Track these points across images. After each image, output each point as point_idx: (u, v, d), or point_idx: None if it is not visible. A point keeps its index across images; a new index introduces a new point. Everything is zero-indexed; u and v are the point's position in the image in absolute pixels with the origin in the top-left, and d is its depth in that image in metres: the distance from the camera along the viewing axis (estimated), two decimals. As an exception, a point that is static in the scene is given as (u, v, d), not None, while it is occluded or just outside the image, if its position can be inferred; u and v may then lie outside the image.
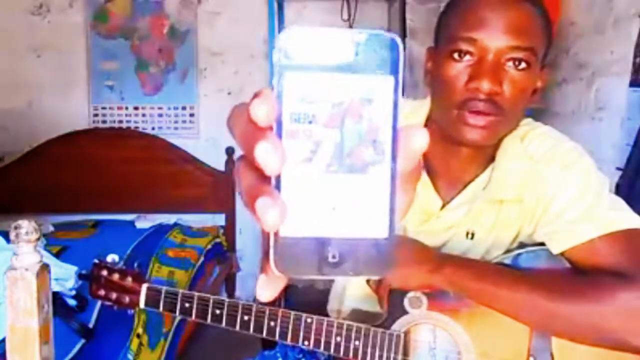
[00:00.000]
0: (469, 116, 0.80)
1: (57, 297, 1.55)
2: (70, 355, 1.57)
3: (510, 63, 0.79)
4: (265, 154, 0.27)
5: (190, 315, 0.95)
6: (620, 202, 0.87)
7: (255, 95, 0.29)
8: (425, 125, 0.93)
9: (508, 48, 0.78)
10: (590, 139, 2.06)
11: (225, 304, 0.93)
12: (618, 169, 1.80)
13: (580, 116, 2.20)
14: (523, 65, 0.79)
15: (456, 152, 0.89)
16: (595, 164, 0.89)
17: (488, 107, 0.79)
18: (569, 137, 0.92)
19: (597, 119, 2.08)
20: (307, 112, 0.28)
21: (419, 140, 0.30)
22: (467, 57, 0.80)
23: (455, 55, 0.81)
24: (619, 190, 1.71)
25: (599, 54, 2.09)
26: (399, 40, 0.29)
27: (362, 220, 0.29)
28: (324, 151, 0.28)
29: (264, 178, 0.29)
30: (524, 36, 0.79)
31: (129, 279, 1.01)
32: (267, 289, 0.31)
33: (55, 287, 1.54)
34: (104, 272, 1.03)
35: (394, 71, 0.29)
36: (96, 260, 1.05)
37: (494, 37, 0.78)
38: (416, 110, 0.94)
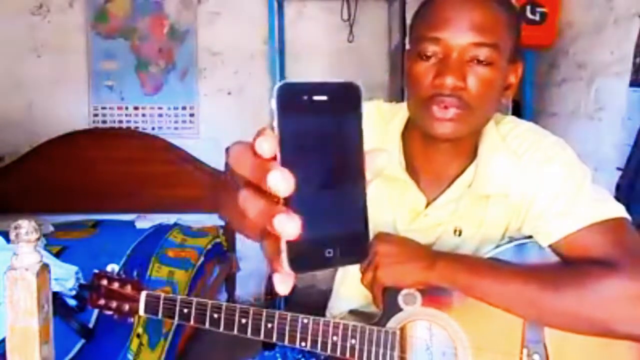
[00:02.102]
0: (437, 110, 0.83)
1: (57, 297, 1.55)
2: (70, 355, 1.57)
3: (474, 59, 0.82)
4: (277, 181, 0.35)
5: (189, 320, 0.96)
6: (603, 192, 0.89)
7: (259, 134, 0.36)
8: (407, 125, 0.96)
9: (471, 45, 0.81)
10: (590, 139, 2.07)
11: (223, 308, 0.94)
12: (618, 169, 1.80)
13: (580, 116, 2.20)
14: (487, 61, 0.82)
15: (436, 148, 0.91)
16: (594, 164, 0.90)
17: (453, 101, 0.82)
18: (568, 137, 0.93)
19: (597, 119, 2.08)
20: (298, 145, 0.37)
21: (381, 160, 0.39)
22: (433, 56, 0.84)
23: (423, 55, 0.84)
24: (619, 190, 1.71)
25: (598, 54, 2.09)
26: (360, 84, 0.39)
27: (345, 221, 0.38)
28: (314, 174, 0.37)
29: (272, 201, 0.36)
30: (487, 33, 0.81)
31: (129, 286, 1.03)
32: (283, 284, 0.38)
33: (55, 287, 1.54)
34: (104, 282, 1.04)
35: (358, 108, 0.39)
36: (96, 271, 1.07)
37: (457, 36, 0.82)
38: (397, 111, 0.97)
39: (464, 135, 0.87)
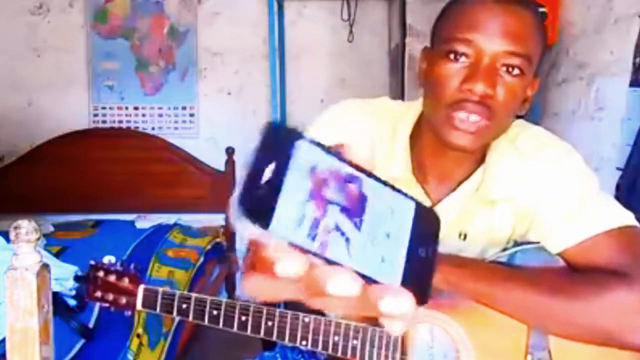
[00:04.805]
0: (459, 120, 0.79)
1: (57, 297, 1.55)
2: (70, 355, 1.56)
3: (505, 68, 0.79)
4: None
5: (188, 316, 0.95)
6: (612, 200, 0.88)
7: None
8: (417, 125, 0.92)
9: (504, 53, 0.78)
10: (590, 139, 2.06)
11: (223, 304, 0.93)
12: (618, 169, 1.80)
13: (580, 116, 2.20)
14: (517, 71, 0.79)
15: (446, 152, 0.88)
16: (594, 164, 0.90)
17: (479, 109, 0.78)
18: (568, 137, 0.93)
19: (597, 119, 2.07)
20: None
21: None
22: (463, 58, 0.79)
23: (451, 56, 0.79)
24: (619, 190, 1.71)
25: (598, 54, 2.08)
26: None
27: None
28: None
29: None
30: (521, 42, 0.78)
31: (126, 279, 1.00)
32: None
33: (55, 287, 1.54)
34: (101, 274, 1.02)
35: None
36: (92, 262, 1.04)
37: (491, 40, 0.77)
38: (408, 110, 0.94)
39: (479, 147, 0.84)
